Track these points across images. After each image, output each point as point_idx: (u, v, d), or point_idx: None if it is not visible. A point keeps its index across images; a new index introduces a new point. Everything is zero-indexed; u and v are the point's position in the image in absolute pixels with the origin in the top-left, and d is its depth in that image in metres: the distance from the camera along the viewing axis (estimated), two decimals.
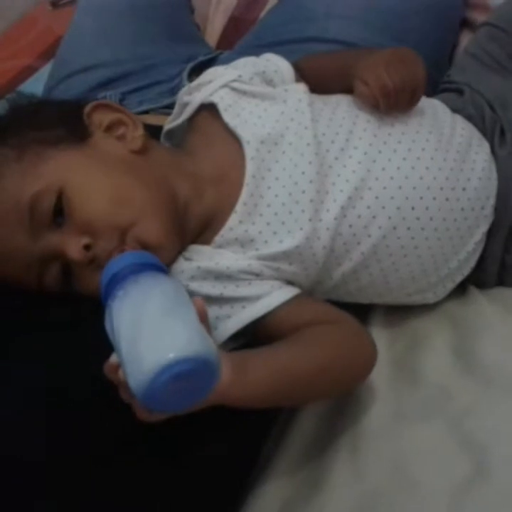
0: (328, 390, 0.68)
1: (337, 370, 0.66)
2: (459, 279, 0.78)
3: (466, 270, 0.78)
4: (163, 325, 0.53)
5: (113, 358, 0.56)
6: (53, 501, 0.57)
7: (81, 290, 0.67)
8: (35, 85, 1.18)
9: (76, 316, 0.66)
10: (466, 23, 1.10)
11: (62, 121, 0.71)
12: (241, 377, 0.59)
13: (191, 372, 0.51)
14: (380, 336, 0.78)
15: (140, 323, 0.53)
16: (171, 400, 0.53)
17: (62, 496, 0.57)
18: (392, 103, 0.72)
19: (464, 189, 0.74)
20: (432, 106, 0.79)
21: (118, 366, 0.55)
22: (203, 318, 0.56)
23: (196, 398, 0.55)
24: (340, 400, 0.73)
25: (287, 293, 0.69)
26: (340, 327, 0.69)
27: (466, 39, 1.07)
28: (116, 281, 0.56)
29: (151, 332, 0.52)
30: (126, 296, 0.55)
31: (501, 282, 0.81)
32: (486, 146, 0.79)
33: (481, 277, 0.80)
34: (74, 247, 0.65)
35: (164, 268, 0.60)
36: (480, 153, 0.77)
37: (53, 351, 0.63)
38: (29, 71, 1.31)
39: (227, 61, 0.89)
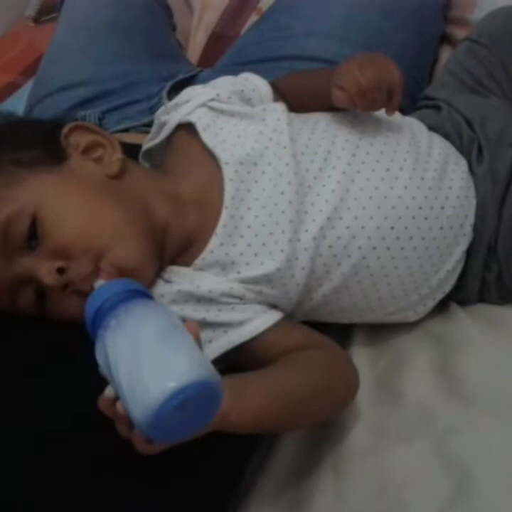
0: (317, 415, 0.69)
1: (327, 395, 0.67)
2: (439, 296, 0.78)
3: (447, 288, 0.78)
4: (162, 352, 0.52)
5: (108, 391, 0.54)
6: None
7: (56, 314, 0.66)
8: (17, 102, 1.18)
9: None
10: (445, 39, 1.11)
11: (39, 142, 0.70)
12: (239, 401, 0.58)
13: (197, 397, 0.50)
14: (361, 355, 0.78)
15: (138, 352, 0.52)
16: (176, 428, 0.52)
17: None
18: (368, 102, 0.71)
19: (442, 207, 0.74)
20: (408, 125, 0.79)
21: (115, 399, 0.53)
22: (198, 341, 0.56)
23: (201, 424, 0.54)
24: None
25: (270, 319, 0.69)
26: (326, 352, 0.69)
27: (445, 54, 1.08)
28: (106, 310, 0.55)
29: (151, 361, 0.51)
30: (120, 326, 0.54)
31: (482, 299, 0.81)
32: (463, 164, 0.79)
33: (462, 295, 0.80)
34: (46, 271, 0.64)
35: (150, 294, 0.59)
36: (457, 172, 0.77)
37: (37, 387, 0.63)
38: (11, 88, 1.30)
39: (207, 79, 0.89)
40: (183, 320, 0.56)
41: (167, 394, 0.49)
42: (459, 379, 0.72)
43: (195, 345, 0.54)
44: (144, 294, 0.58)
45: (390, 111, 0.74)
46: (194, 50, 1.25)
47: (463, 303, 0.81)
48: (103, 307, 0.55)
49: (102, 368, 0.54)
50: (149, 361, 0.51)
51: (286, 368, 0.66)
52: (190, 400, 0.50)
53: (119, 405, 0.53)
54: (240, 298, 0.69)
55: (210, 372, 0.52)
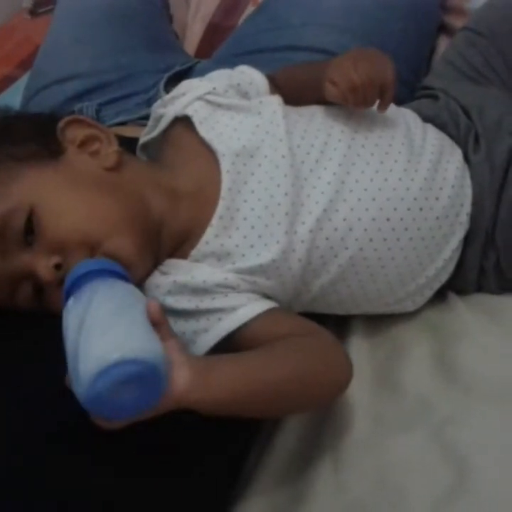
0: (299, 402, 0.66)
1: (309, 382, 0.65)
2: (437, 286, 0.78)
3: (444, 277, 0.78)
4: (100, 331, 0.53)
5: None
6: None
7: (53, 308, 0.65)
8: (14, 95, 1.18)
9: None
10: (443, 28, 1.10)
11: (35, 136, 0.71)
12: (203, 380, 0.57)
13: (131, 376, 0.50)
14: (360, 345, 0.78)
15: (80, 331, 0.53)
16: (119, 407, 0.52)
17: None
18: (360, 98, 0.71)
19: (437, 198, 0.75)
20: (403, 117, 0.79)
21: None
22: (157, 322, 0.56)
23: (145, 404, 0.53)
24: (322, 410, 0.73)
25: (263, 305, 0.69)
26: (316, 339, 0.68)
27: (443, 44, 1.08)
28: (69, 291, 0.57)
29: (88, 340, 0.52)
30: (73, 306, 0.56)
31: (480, 289, 0.81)
32: (457, 154, 0.79)
33: (460, 284, 0.80)
34: (44, 267, 0.64)
35: (122, 272, 0.60)
36: (451, 162, 0.77)
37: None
38: (7, 81, 1.31)
39: (204, 70, 0.89)
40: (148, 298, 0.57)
41: (97, 372, 0.50)
42: (457, 368, 0.72)
43: (141, 324, 0.54)
44: (112, 272, 0.59)
45: (381, 108, 0.74)
46: (191, 41, 1.25)
47: (461, 292, 0.81)
48: (68, 289, 0.57)
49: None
50: (85, 341, 0.52)
51: (266, 351, 0.64)
52: (124, 378, 0.50)
53: None
54: (234, 288, 0.69)
55: (150, 351, 0.52)
